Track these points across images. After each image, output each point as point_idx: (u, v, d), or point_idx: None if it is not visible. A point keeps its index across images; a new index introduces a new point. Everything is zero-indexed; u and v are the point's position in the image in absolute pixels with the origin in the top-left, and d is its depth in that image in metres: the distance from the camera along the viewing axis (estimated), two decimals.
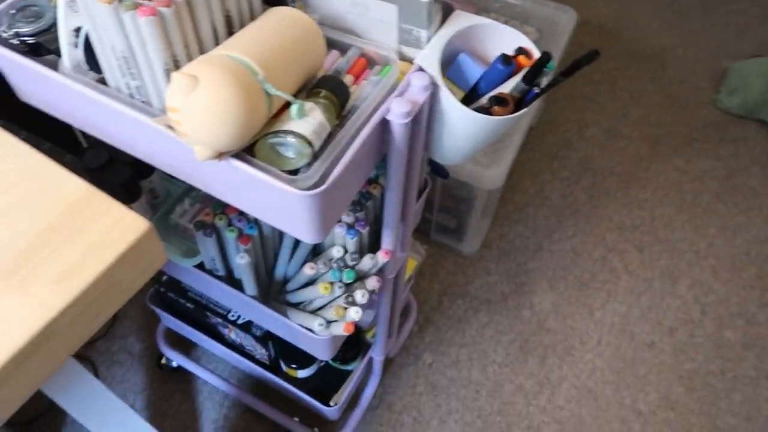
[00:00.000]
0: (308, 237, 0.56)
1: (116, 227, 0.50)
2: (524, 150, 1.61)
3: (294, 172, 0.52)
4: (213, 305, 0.98)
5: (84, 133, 0.95)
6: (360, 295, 0.71)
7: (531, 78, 0.58)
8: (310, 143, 0.51)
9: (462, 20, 0.62)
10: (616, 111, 1.72)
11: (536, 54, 0.62)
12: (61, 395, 0.67)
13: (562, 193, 1.54)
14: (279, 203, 0.53)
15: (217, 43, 0.54)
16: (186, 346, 1.24)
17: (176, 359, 1.21)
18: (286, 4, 0.60)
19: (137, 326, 1.29)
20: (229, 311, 0.98)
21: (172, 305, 1.05)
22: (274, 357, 1.03)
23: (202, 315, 1.00)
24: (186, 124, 0.46)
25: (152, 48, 0.49)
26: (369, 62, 0.63)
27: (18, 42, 0.59)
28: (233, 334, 1.01)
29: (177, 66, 0.51)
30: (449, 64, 0.65)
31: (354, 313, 0.70)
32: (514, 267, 1.41)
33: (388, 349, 1.10)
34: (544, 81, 0.60)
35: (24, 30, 0.59)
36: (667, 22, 1.97)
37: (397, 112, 0.55)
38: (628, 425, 1.20)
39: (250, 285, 0.77)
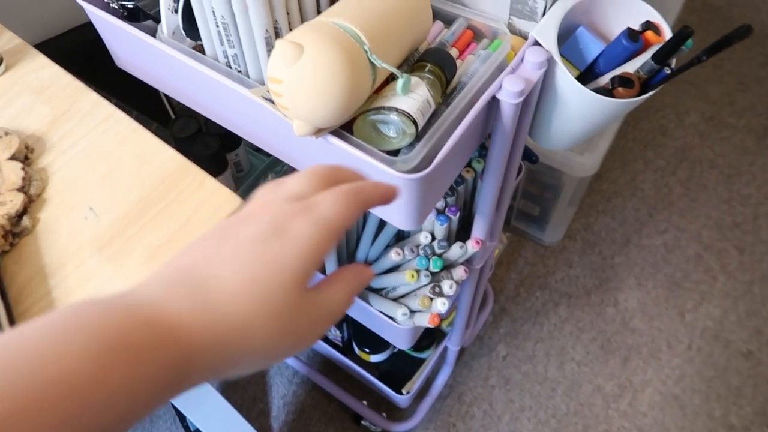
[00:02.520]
0: (404, 223, 0.52)
1: (209, 202, 0.47)
2: (616, 136, 1.50)
3: (394, 152, 0.48)
4: None
5: (172, 104, 0.95)
6: (447, 286, 0.66)
7: (664, 57, 0.51)
8: (414, 122, 0.46)
9: None
10: (720, 97, 1.58)
11: (667, 30, 0.55)
12: None
13: (656, 184, 1.43)
14: None
15: (318, 10, 0.51)
16: None
17: None
18: None
19: None
20: None
21: None
22: (348, 339, 1.01)
23: None
24: (287, 96, 0.42)
25: (253, 13, 0.46)
26: (475, 35, 0.58)
27: (118, 7, 0.58)
28: None
29: (277, 34, 0.48)
30: (564, 39, 0.58)
31: (440, 305, 0.66)
32: (598, 260, 1.33)
33: (464, 339, 1.06)
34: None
35: None
36: None
37: (509, 91, 0.50)
38: None
39: (331, 267, 0.74)
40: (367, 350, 0.99)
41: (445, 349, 1.08)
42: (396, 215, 0.51)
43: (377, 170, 0.46)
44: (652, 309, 1.26)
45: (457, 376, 1.18)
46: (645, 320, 1.24)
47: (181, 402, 0.72)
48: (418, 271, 0.68)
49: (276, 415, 1.16)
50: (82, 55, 1.08)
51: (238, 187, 0.80)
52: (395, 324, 0.72)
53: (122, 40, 0.59)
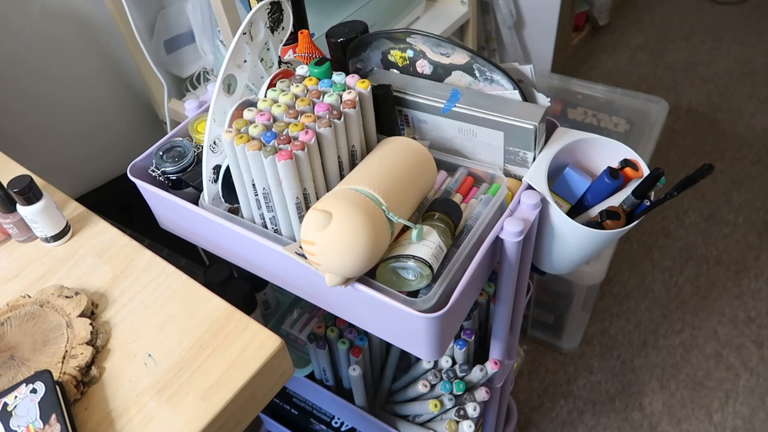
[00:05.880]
0: (427, 355, 0.57)
1: (253, 343, 0.54)
2: (620, 240, 1.57)
3: (413, 293, 0.55)
4: (317, 412, 1.00)
5: (204, 250, 1.03)
6: (472, 408, 0.70)
7: (642, 192, 0.58)
8: (430, 266, 0.53)
9: (566, 136, 0.65)
10: (716, 196, 1.65)
11: (643, 166, 0.63)
12: None
13: (665, 284, 1.47)
14: (400, 323, 0.55)
15: (341, 174, 0.59)
16: None
17: None
18: (399, 133, 0.65)
19: None
20: (332, 418, 0.99)
21: (275, 410, 1.07)
22: None
23: (306, 422, 1.01)
24: (320, 255, 0.50)
25: (286, 185, 0.54)
26: (476, 180, 0.66)
27: (163, 179, 0.67)
28: None
29: (306, 198, 0.56)
30: (554, 177, 0.66)
31: (467, 428, 0.69)
32: (618, 364, 1.34)
33: None
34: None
35: (169, 169, 0.67)
36: (765, 102, 1.91)
37: (511, 231, 0.57)
38: None
39: (359, 395, 0.78)
40: None
41: None
42: (419, 347, 0.56)
43: (399, 311, 0.53)
44: (679, 411, 1.25)
45: None
46: (673, 423, 1.24)
47: None
48: (440, 397, 0.72)
49: None
50: (118, 203, 1.19)
51: (267, 323, 0.86)
52: None
53: (167, 207, 0.68)
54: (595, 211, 0.63)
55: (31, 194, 0.61)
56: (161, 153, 0.68)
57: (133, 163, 0.68)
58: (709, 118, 1.88)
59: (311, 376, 0.83)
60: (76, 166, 1.17)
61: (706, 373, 1.31)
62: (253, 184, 0.57)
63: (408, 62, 0.68)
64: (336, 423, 0.98)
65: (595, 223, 0.61)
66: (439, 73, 0.67)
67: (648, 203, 0.60)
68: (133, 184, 0.68)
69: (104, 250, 0.64)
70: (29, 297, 0.58)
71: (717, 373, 1.30)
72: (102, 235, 0.66)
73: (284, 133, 0.54)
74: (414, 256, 0.53)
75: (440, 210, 0.58)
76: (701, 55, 2.13)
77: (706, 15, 2.30)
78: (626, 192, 0.62)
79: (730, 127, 1.85)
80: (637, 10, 2.37)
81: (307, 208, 0.56)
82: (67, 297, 0.57)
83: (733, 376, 1.30)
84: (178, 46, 1.23)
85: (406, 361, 0.84)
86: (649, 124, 1.40)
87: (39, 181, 0.68)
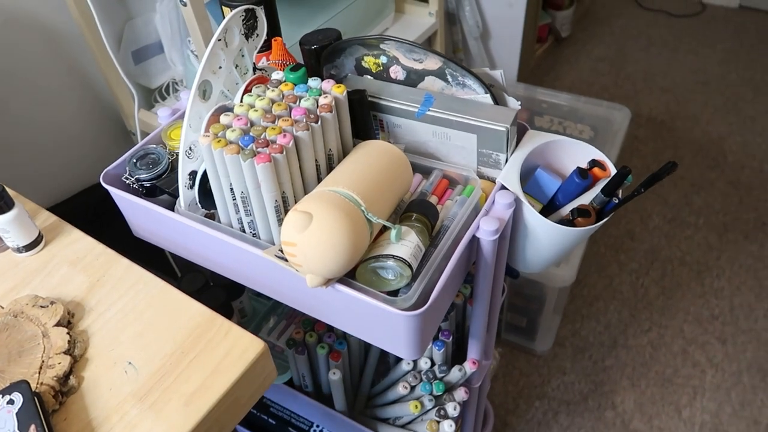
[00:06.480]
0: (408, 354, 0.58)
1: (235, 347, 0.54)
2: (588, 243, 1.61)
3: (393, 293, 0.55)
4: (295, 420, 0.99)
5: (176, 260, 1.03)
6: (452, 408, 0.71)
7: (611, 190, 0.61)
8: (409, 266, 0.54)
9: (536, 139, 0.67)
10: (678, 200, 1.71)
11: (610, 165, 0.66)
12: None
13: (632, 285, 1.52)
14: (381, 323, 0.55)
15: (319, 177, 0.60)
16: None
17: None
18: (374, 137, 0.66)
19: None
20: (311, 426, 0.98)
21: (252, 421, 1.06)
22: None
23: (284, 431, 1.00)
24: (300, 256, 0.50)
25: (265, 188, 0.54)
26: (450, 182, 0.67)
27: (138, 187, 0.67)
28: None
29: (285, 202, 0.57)
30: (526, 178, 0.68)
31: (448, 427, 0.70)
32: (590, 365, 1.37)
33: None
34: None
35: (143, 176, 0.66)
36: (720, 110, 1.99)
37: (486, 230, 0.58)
38: None
39: (339, 400, 0.78)
40: None
41: None
42: (400, 347, 0.57)
43: (380, 310, 0.53)
44: (650, 408, 1.28)
45: None
46: (644, 420, 1.27)
47: None
48: (420, 398, 0.73)
49: None
50: (85, 216, 1.17)
51: None
52: None
53: (142, 214, 0.67)
54: (566, 210, 0.66)
55: (2, 203, 0.60)
56: (135, 160, 0.67)
57: (106, 171, 0.67)
58: (668, 126, 1.95)
59: (290, 383, 0.83)
60: (41, 179, 1.14)
61: (674, 371, 1.34)
62: (231, 189, 0.57)
63: (381, 68, 0.70)
64: (315, 431, 0.97)
65: (567, 221, 0.63)
66: (413, 79, 0.69)
67: (616, 200, 0.62)
68: (101, 196, 0.67)
69: (79, 259, 0.63)
70: (2, 308, 0.57)
71: (684, 370, 1.34)
72: (76, 244, 0.65)
73: (262, 136, 0.55)
74: (393, 255, 0.54)
75: (417, 211, 0.59)
76: (659, 65, 2.21)
77: (662, 27, 2.39)
78: (595, 191, 0.64)
79: (688, 134, 1.92)
80: (597, 22, 2.45)
81: (286, 211, 0.57)
82: (42, 307, 0.56)
83: (699, 372, 1.34)
84: (147, 57, 1.22)
85: (384, 365, 0.85)
86: (612, 131, 1.45)
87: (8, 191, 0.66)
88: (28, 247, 0.63)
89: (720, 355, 1.36)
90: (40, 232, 0.64)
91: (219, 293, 0.80)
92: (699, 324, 1.43)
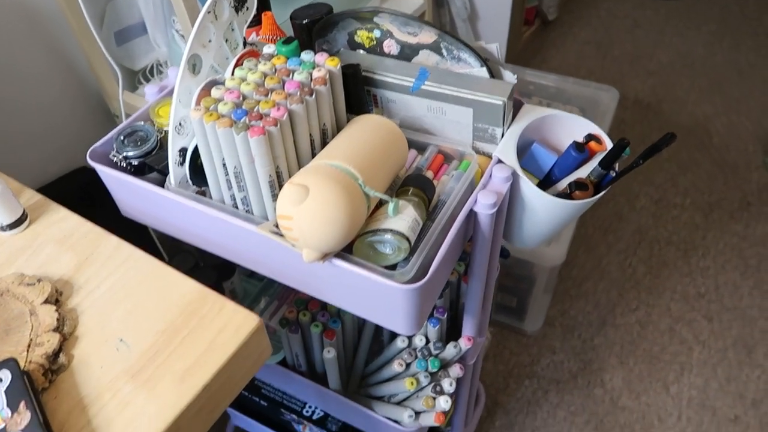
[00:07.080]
0: (405, 329, 0.57)
1: (230, 323, 0.53)
2: (577, 225, 1.61)
3: (391, 267, 0.55)
4: (287, 401, 0.99)
5: (163, 243, 1.01)
6: (448, 384, 0.71)
7: (608, 163, 0.60)
8: (407, 239, 0.53)
9: (532, 113, 0.66)
10: (664, 181, 1.72)
11: (606, 139, 0.65)
12: None
13: (620, 265, 1.53)
14: (378, 298, 0.55)
15: (313, 152, 0.59)
16: None
17: None
18: (368, 112, 0.65)
19: None
20: (303, 407, 0.98)
21: (243, 404, 1.05)
22: None
23: (276, 412, 1.00)
24: (297, 230, 0.49)
25: (259, 162, 0.53)
26: (446, 158, 0.67)
27: (125, 164, 0.65)
28: (307, 431, 1.00)
29: (279, 176, 0.56)
30: (522, 153, 0.68)
31: (444, 403, 0.70)
32: (579, 344, 1.38)
33: None
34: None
35: (131, 153, 0.65)
36: (705, 92, 2.01)
37: (484, 203, 0.58)
38: None
39: (334, 379, 0.78)
40: None
41: None
42: (398, 322, 0.57)
43: (378, 284, 0.52)
44: (638, 385, 1.30)
45: None
46: (632, 397, 1.28)
47: None
48: (416, 375, 0.72)
49: None
50: (69, 200, 1.15)
51: None
52: (400, 427, 0.75)
53: (131, 192, 0.66)
54: (563, 184, 0.65)
55: None
56: (122, 138, 0.65)
57: (92, 148, 0.65)
58: (655, 108, 1.96)
59: (283, 364, 0.82)
60: (21, 163, 1.12)
61: (662, 348, 1.36)
62: (224, 164, 0.56)
63: (375, 43, 0.68)
64: (307, 412, 0.97)
65: (565, 195, 0.62)
66: (407, 53, 0.68)
67: (614, 173, 0.62)
68: (83, 181, 0.65)
69: (66, 238, 0.61)
70: None
71: (671, 348, 1.36)
72: (62, 222, 0.63)
73: (255, 110, 0.53)
74: (391, 229, 0.53)
75: (414, 185, 0.58)
76: (645, 48, 2.21)
77: (648, 9, 2.40)
78: (592, 165, 0.64)
79: (675, 116, 1.93)
80: (583, 5, 2.44)
81: (280, 186, 0.56)
82: (29, 284, 0.54)
83: (686, 349, 1.35)
84: (130, 38, 1.19)
85: (378, 344, 0.85)
86: (600, 112, 1.45)
87: None
88: (12, 225, 0.61)
89: (706, 332, 1.38)
90: (24, 210, 0.63)
91: (209, 274, 0.79)
92: (686, 302, 1.44)
